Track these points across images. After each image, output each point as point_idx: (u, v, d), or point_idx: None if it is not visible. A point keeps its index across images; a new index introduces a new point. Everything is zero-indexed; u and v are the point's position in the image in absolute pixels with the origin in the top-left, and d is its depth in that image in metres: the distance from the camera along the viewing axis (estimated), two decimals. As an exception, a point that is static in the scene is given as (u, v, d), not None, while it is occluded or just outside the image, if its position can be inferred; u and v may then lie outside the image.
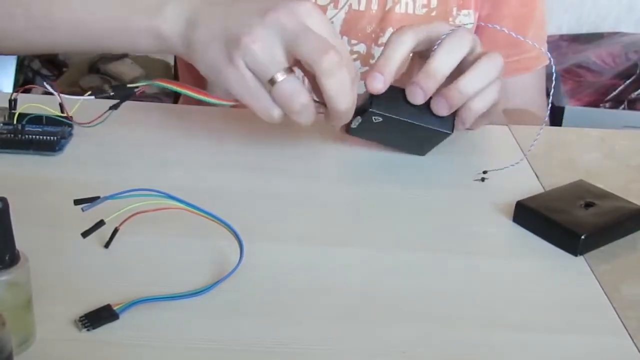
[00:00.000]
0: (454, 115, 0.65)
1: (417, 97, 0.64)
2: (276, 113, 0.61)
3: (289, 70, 0.60)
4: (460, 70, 0.65)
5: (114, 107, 0.65)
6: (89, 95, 0.63)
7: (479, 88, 0.65)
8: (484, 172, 0.66)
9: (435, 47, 0.65)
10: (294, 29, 0.59)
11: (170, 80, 0.63)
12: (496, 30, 0.67)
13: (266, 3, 0.61)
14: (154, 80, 0.62)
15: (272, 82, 0.60)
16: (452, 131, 0.66)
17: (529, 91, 0.94)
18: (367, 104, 0.64)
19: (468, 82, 0.64)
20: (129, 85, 0.62)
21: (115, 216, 0.52)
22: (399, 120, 0.64)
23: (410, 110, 0.64)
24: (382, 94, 0.64)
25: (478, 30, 0.93)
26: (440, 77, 0.64)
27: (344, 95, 0.60)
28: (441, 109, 0.64)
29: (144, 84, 0.62)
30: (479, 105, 0.65)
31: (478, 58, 0.65)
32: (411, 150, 0.69)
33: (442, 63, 0.64)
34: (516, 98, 0.89)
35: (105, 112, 0.65)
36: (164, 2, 0.66)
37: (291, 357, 0.45)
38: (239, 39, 0.60)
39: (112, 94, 0.62)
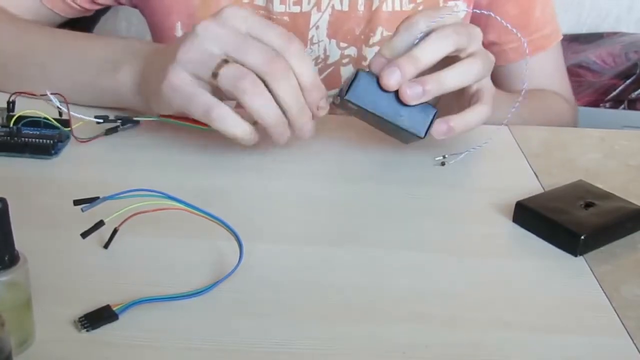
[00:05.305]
0: (430, 119, 0.63)
1: (392, 78, 0.61)
2: (216, 111, 0.60)
3: (228, 61, 0.60)
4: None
5: (111, 131, 0.69)
6: (96, 119, 0.67)
7: (460, 84, 0.63)
8: (444, 157, 0.66)
9: (423, 35, 0.63)
10: (232, 39, 0.60)
11: (174, 115, 0.65)
12: (501, 16, 0.66)
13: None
14: (159, 116, 0.66)
15: (214, 75, 0.60)
16: (425, 136, 0.64)
17: (547, 70, 0.92)
18: (345, 90, 0.62)
19: (448, 75, 0.62)
20: (135, 118, 0.68)
21: (115, 216, 0.52)
22: (373, 114, 0.63)
23: (388, 104, 0.62)
24: (368, 79, 0.62)
25: (482, 18, 0.91)
26: (421, 65, 0.61)
27: (295, 99, 0.61)
28: (413, 95, 0.61)
29: (149, 118, 0.67)
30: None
31: (470, 56, 0.64)
32: (393, 137, 0.68)
33: (427, 51, 0.62)
34: (534, 80, 0.87)
35: (103, 134, 0.69)
36: (117, 64, 0.69)
37: (291, 357, 0.45)
38: (175, 55, 0.61)
39: (119, 122, 0.68)
